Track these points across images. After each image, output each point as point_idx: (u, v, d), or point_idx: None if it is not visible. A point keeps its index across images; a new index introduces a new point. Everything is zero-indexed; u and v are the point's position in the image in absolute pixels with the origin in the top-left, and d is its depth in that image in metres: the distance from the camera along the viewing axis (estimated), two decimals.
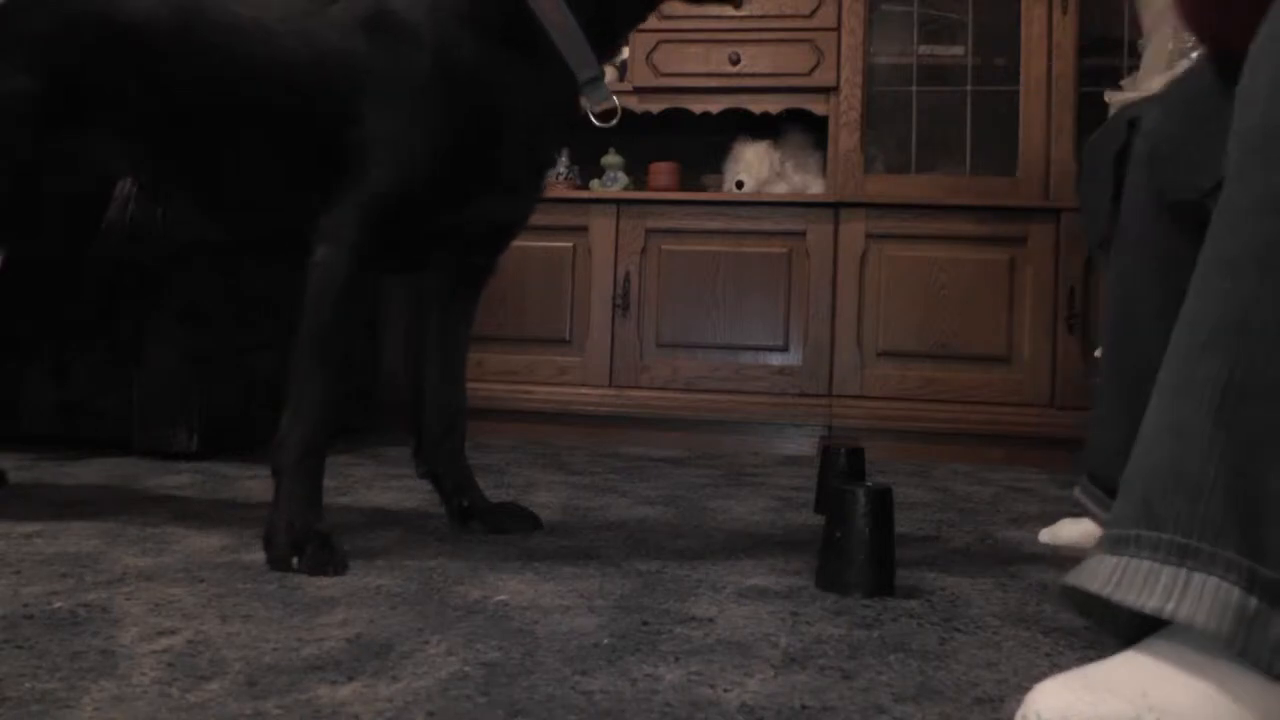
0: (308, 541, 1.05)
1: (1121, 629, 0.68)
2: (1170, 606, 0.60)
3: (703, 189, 2.69)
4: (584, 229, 2.55)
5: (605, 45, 1.20)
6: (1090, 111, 2.22)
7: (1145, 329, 1.12)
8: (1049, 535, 1.36)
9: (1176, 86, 1.06)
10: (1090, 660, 0.64)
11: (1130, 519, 0.65)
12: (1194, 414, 0.63)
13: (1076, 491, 1.31)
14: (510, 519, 1.30)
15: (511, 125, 1.16)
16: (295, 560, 1.03)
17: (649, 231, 2.52)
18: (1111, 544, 0.66)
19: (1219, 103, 0.91)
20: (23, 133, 1.27)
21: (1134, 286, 1.12)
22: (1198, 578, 0.60)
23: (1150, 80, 1.76)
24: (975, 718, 0.69)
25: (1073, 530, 1.33)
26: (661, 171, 2.64)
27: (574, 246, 2.55)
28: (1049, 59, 2.40)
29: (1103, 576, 0.64)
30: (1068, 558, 1.23)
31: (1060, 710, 0.58)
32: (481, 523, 1.29)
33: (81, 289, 1.89)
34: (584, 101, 1.20)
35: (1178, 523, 0.62)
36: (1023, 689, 0.65)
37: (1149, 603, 0.60)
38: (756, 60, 2.53)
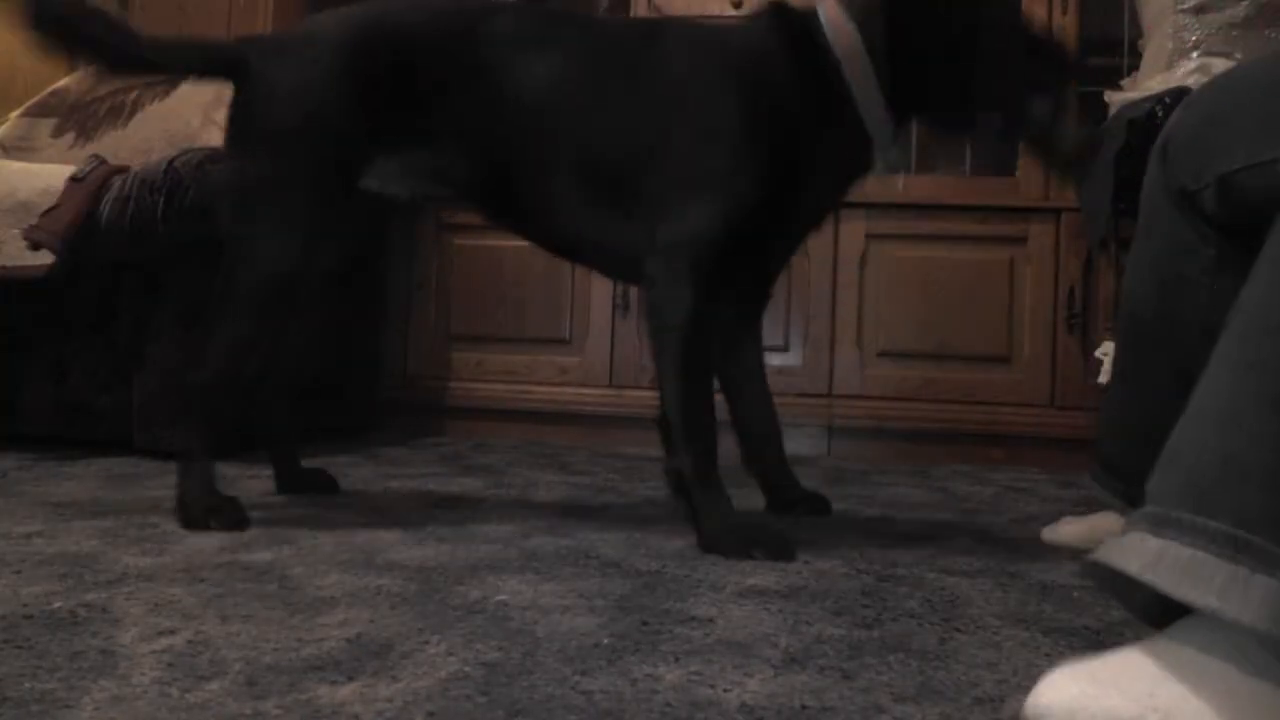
0: (753, 533, 1.19)
1: (1142, 607, 0.66)
2: (1222, 605, 0.57)
3: None
4: None
5: (899, 119, 1.29)
6: (1090, 112, 2.22)
7: (1147, 310, 1.12)
8: (1050, 534, 1.36)
9: (1201, 89, 1.08)
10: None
11: (1174, 498, 0.63)
12: (1257, 400, 0.61)
13: (1089, 480, 1.29)
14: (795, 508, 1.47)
15: (813, 172, 1.26)
16: (755, 552, 1.16)
17: None
18: (1153, 523, 0.63)
19: (1233, 100, 0.92)
20: (344, 161, 1.28)
21: (1140, 267, 1.13)
22: (1251, 575, 0.58)
23: (1150, 80, 1.76)
24: (975, 718, 0.69)
25: (1074, 529, 1.32)
26: None
27: None
28: None
29: (1143, 558, 0.62)
30: (1068, 557, 1.23)
31: (1066, 703, 0.58)
32: (808, 508, 1.48)
33: (80, 289, 1.89)
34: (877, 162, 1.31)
35: (1232, 512, 0.59)
36: (1023, 689, 0.65)
37: (1198, 597, 0.58)
38: None
